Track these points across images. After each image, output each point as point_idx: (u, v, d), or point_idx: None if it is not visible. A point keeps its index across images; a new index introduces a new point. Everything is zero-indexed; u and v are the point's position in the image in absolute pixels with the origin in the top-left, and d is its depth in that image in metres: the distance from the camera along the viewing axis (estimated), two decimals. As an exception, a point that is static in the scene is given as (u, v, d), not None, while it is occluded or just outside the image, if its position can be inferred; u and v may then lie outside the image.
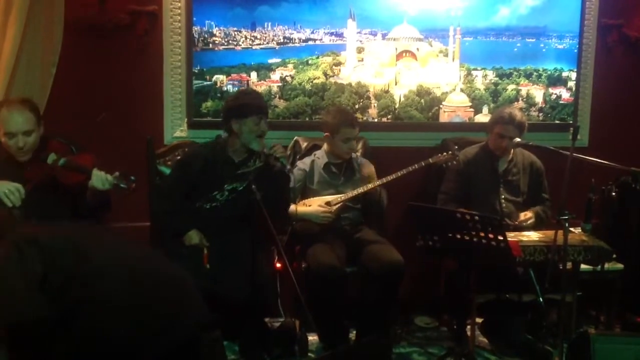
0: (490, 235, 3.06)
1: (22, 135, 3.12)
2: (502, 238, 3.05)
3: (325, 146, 3.93)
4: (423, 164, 3.72)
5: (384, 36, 4.30)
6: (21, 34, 3.51)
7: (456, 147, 3.77)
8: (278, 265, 3.56)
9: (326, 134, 3.84)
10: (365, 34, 4.28)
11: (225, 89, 4.17)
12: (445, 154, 3.77)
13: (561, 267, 3.23)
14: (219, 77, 4.17)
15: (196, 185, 3.51)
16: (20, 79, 3.57)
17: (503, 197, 3.93)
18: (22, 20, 3.50)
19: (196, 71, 4.13)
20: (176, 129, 4.17)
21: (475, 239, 3.10)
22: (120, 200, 3.41)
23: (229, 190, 3.54)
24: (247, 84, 4.19)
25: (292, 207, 3.77)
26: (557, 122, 4.53)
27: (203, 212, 3.53)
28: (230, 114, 3.51)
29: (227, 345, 3.68)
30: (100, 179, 3.11)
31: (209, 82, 4.16)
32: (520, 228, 3.77)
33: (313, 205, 3.79)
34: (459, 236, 3.15)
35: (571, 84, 4.51)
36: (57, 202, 3.14)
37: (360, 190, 3.78)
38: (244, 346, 3.66)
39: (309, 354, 3.78)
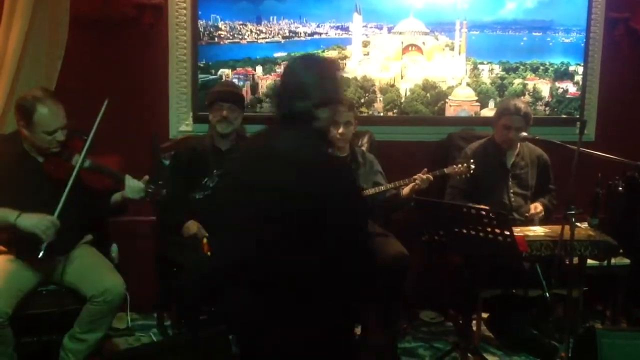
0: (497, 230, 3.05)
1: (61, 129, 3.07)
2: (508, 233, 3.03)
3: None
4: (437, 173, 3.70)
5: (389, 30, 4.29)
6: (27, 28, 3.49)
7: (472, 161, 3.72)
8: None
9: None
10: (371, 27, 4.26)
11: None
12: (460, 166, 3.72)
13: (567, 262, 3.22)
14: (225, 71, 4.16)
15: (188, 175, 3.56)
16: (26, 72, 3.55)
17: (512, 191, 3.92)
18: (28, 14, 3.49)
19: (201, 65, 4.12)
20: (181, 123, 4.17)
21: (481, 234, 3.09)
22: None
23: (218, 176, 3.57)
24: (253, 78, 4.18)
25: None
26: (563, 116, 4.51)
27: (197, 203, 3.56)
28: (206, 107, 3.67)
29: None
30: (135, 188, 3.10)
31: (214, 76, 4.15)
32: (531, 221, 3.75)
33: None
34: (464, 231, 3.14)
35: (578, 78, 4.49)
36: (77, 201, 3.10)
37: (373, 191, 3.76)
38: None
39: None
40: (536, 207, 3.83)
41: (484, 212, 3.07)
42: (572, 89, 4.50)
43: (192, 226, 3.49)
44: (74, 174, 2.99)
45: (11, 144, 3.18)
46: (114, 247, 3.54)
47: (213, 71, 4.14)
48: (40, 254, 2.91)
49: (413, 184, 3.63)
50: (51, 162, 3.10)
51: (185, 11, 4.05)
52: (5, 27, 3.52)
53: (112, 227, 3.63)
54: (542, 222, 3.75)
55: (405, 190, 3.68)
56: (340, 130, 3.73)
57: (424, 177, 3.62)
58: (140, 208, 3.69)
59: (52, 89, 3.61)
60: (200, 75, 4.12)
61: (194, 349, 2.79)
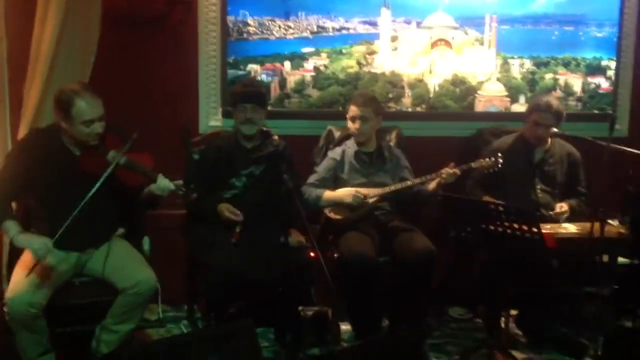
0: (524, 227, 3.04)
1: (99, 121, 3.13)
2: (536, 230, 3.02)
3: (355, 135, 3.94)
4: (465, 167, 3.69)
5: (418, 24, 4.29)
6: (60, 25, 3.54)
7: (500, 155, 3.71)
8: (312, 254, 3.58)
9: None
10: (399, 22, 4.27)
11: (259, 78, 4.21)
12: (488, 160, 3.70)
13: (598, 260, 3.20)
14: (253, 67, 4.21)
15: (215, 174, 3.59)
16: (60, 68, 3.61)
17: (539, 187, 3.89)
18: (61, 12, 3.53)
19: (231, 61, 4.17)
20: (211, 118, 4.22)
21: (508, 231, 3.08)
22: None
23: (246, 175, 3.60)
24: (281, 73, 4.22)
25: (320, 192, 3.79)
26: (595, 111, 4.46)
27: (226, 202, 3.57)
28: (229, 105, 3.71)
29: (262, 332, 3.74)
30: (164, 187, 3.13)
31: (243, 72, 4.20)
32: (555, 220, 3.73)
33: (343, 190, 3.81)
34: (492, 227, 3.13)
35: (610, 72, 4.45)
36: (110, 195, 3.16)
37: (400, 186, 3.78)
38: (279, 333, 3.73)
39: (342, 343, 3.81)
40: (562, 207, 3.80)
41: (511, 209, 3.06)
42: (604, 84, 4.45)
43: (224, 208, 3.51)
44: (109, 169, 3.05)
45: (48, 137, 3.23)
46: (146, 240, 3.59)
47: (242, 67, 4.19)
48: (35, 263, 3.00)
49: (439, 178, 3.63)
50: (87, 155, 3.15)
51: (214, 7, 4.10)
52: (40, 24, 3.58)
53: (145, 221, 3.69)
54: (572, 220, 3.72)
55: (432, 185, 3.68)
56: (356, 126, 3.75)
57: (451, 171, 3.61)
58: (172, 202, 3.74)
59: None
60: (230, 71, 4.17)
61: (221, 341, 2.83)
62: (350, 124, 3.83)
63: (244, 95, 3.57)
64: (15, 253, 3.28)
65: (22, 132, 3.61)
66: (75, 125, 3.10)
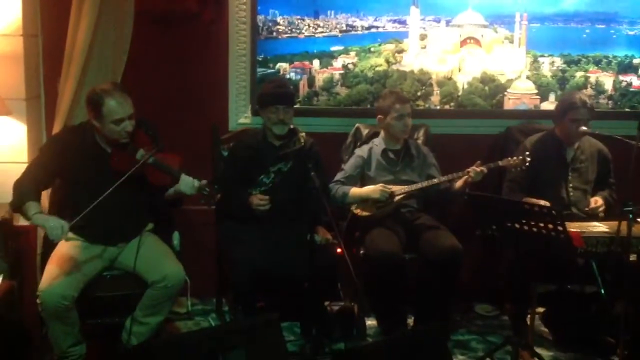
0: (550, 226, 3.03)
1: (128, 119, 3.20)
2: (561, 229, 3.01)
3: (382, 133, 3.95)
4: (492, 165, 3.69)
5: (447, 23, 4.28)
6: (94, 24, 3.63)
7: (527, 153, 3.70)
8: (338, 250, 3.61)
9: (379, 117, 3.87)
10: (428, 20, 4.27)
11: (288, 76, 4.25)
12: (515, 158, 3.70)
13: (625, 259, 3.17)
14: (282, 65, 4.25)
15: (244, 172, 3.64)
16: (93, 66, 3.70)
17: (571, 185, 3.88)
18: (95, 10, 3.62)
19: (260, 59, 4.22)
20: (240, 116, 4.27)
21: (534, 229, 3.08)
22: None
23: (274, 172, 3.65)
24: (310, 71, 4.25)
25: (347, 189, 3.82)
26: (626, 110, 4.41)
27: None
28: (258, 103, 3.71)
29: (288, 326, 3.79)
30: (187, 185, 3.19)
31: (272, 70, 4.24)
32: (593, 216, 3.71)
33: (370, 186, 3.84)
34: (517, 226, 3.13)
35: (642, 71, 4.39)
36: (139, 191, 3.24)
37: (427, 184, 3.79)
38: (305, 328, 3.77)
39: (367, 338, 3.84)
40: (597, 201, 3.78)
41: (537, 208, 3.06)
42: (636, 82, 4.40)
43: (255, 198, 3.57)
44: (135, 167, 3.11)
45: (80, 134, 3.32)
46: (176, 235, 3.66)
47: (271, 65, 4.23)
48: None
49: (466, 176, 3.63)
50: (117, 154, 3.23)
51: (245, 6, 4.14)
52: (74, 23, 3.67)
53: (174, 216, 3.76)
54: (606, 215, 3.70)
55: (459, 183, 3.68)
56: (406, 122, 3.80)
57: (478, 169, 3.61)
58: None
59: (118, 82, 3.77)
60: (259, 69, 4.22)
61: (247, 335, 2.87)
62: (397, 124, 3.81)
63: (276, 96, 3.60)
64: (49, 247, 3.38)
65: (57, 128, 3.71)
66: (106, 124, 3.18)
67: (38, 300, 3.08)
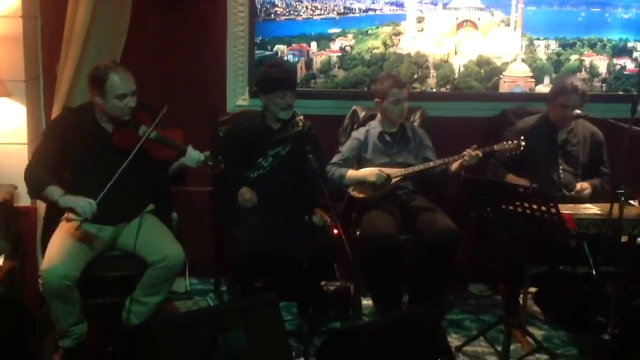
0: (543, 208, 3.08)
1: (131, 95, 3.24)
2: (554, 211, 3.07)
3: (378, 115, 3.99)
4: (487, 149, 3.73)
5: (444, 6, 4.30)
6: (93, 6, 3.66)
7: (522, 137, 3.74)
8: (335, 231, 3.66)
9: (377, 100, 3.90)
10: (425, 3, 4.29)
11: (286, 58, 4.27)
12: (510, 142, 3.75)
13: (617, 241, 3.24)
14: (280, 47, 4.27)
15: (242, 154, 3.66)
16: (92, 49, 3.73)
17: (561, 167, 3.93)
18: (94, -7, 3.66)
19: (258, 41, 4.24)
20: (238, 97, 4.30)
21: (528, 211, 3.13)
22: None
23: (272, 156, 3.69)
24: (307, 54, 4.28)
25: (344, 171, 3.86)
26: (620, 93, 4.46)
27: (252, 181, 3.68)
28: (259, 88, 3.70)
29: (285, 306, 3.86)
30: (194, 158, 3.24)
31: (270, 52, 4.26)
32: (577, 199, 3.77)
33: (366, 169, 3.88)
34: (511, 208, 3.18)
35: (636, 54, 4.42)
36: (141, 170, 3.26)
37: (422, 167, 3.84)
38: (302, 307, 3.84)
39: (363, 318, 3.90)
40: (582, 185, 3.83)
41: (530, 191, 3.11)
42: (630, 65, 4.44)
43: (246, 191, 3.62)
44: (141, 142, 3.15)
45: (81, 115, 3.35)
46: (174, 216, 3.71)
47: (269, 47, 4.26)
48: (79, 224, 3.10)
49: (461, 160, 3.68)
50: (119, 131, 3.27)
51: (243, -12, 4.16)
52: (73, 4, 3.70)
53: (173, 197, 3.80)
54: (592, 200, 3.75)
55: (454, 166, 3.73)
56: (402, 107, 3.85)
57: (473, 153, 3.66)
58: (198, 179, 3.85)
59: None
60: (257, 51, 4.24)
61: (246, 314, 2.92)
62: (393, 108, 3.85)
63: (284, 82, 3.61)
64: (49, 228, 3.42)
65: (56, 110, 3.74)
66: (109, 100, 3.21)
67: (40, 281, 3.12)
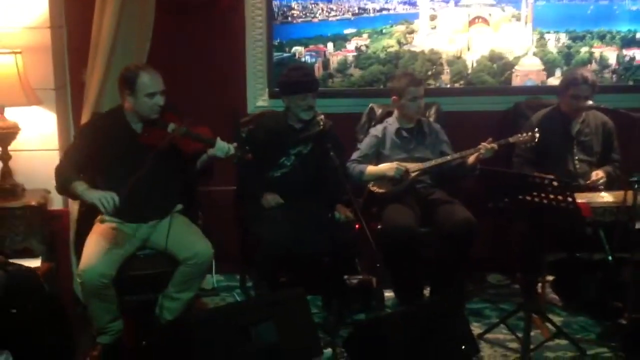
0: (560, 197, 3.17)
1: (160, 94, 3.37)
2: (571, 200, 3.15)
3: (395, 112, 4.08)
4: (503, 142, 3.82)
5: (456, 3, 4.40)
6: (118, 13, 3.75)
7: (537, 129, 3.83)
8: (356, 225, 3.76)
9: (394, 97, 4.01)
10: (437, 1, 4.39)
11: (303, 59, 4.39)
12: (525, 134, 3.83)
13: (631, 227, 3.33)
14: (298, 49, 4.39)
15: (264, 154, 3.75)
16: (118, 54, 3.81)
17: (577, 157, 4.03)
18: (119, 3, 3.74)
19: (276, 44, 4.36)
20: (258, 99, 4.42)
21: (544, 201, 3.21)
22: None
23: (295, 154, 3.80)
24: (324, 54, 4.39)
25: (363, 167, 3.98)
26: (630, 83, 4.54)
27: (276, 180, 3.80)
28: (281, 90, 3.80)
29: (310, 300, 3.94)
30: (223, 149, 3.36)
31: (288, 54, 4.38)
32: (593, 188, 3.86)
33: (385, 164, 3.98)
34: (528, 198, 3.27)
35: (645, 45, 4.51)
36: (171, 167, 3.40)
37: (440, 161, 3.94)
38: (326, 300, 3.95)
39: (386, 309, 3.99)
40: (597, 174, 3.93)
41: (546, 181, 3.20)
42: (639, 56, 4.52)
43: (270, 198, 3.74)
44: (171, 137, 3.29)
45: (111, 119, 3.50)
46: (200, 215, 3.83)
47: (287, 49, 4.37)
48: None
49: (478, 153, 3.78)
50: (148, 130, 3.40)
51: (260, -7, 4.27)
52: (99, 14, 3.79)
53: (199, 197, 3.92)
54: (607, 188, 3.85)
55: (471, 159, 3.83)
56: (419, 104, 3.96)
57: (489, 146, 3.76)
58: (223, 178, 3.97)
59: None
60: (275, 53, 4.36)
61: (275, 308, 3.04)
62: (411, 105, 3.95)
63: (306, 84, 3.73)
64: (83, 230, 3.56)
65: (85, 116, 3.85)
66: (140, 98, 3.35)
67: (78, 280, 3.26)
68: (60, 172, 3.36)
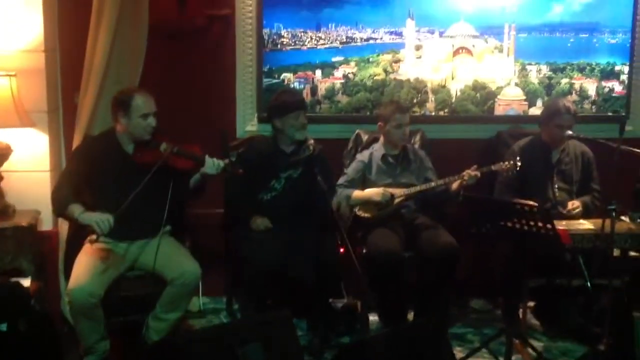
0: (540, 224, 3.26)
1: (153, 115, 3.48)
2: (550, 227, 3.24)
3: (381, 139, 4.17)
4: (485, 170, 3.90)
5: (441, 34, 4.52)
6: (111, 41, 3.83)
7: (518, 158, 3.92)
8: (341, 250, 3.80)
9: (380, 124, 4.10)
10: (423, 32, 4.51)
11: (292, 85, 4.48)
12: (507, 163, 3.92)
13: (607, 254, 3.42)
14: (287, 75, 4.48)
15: (255, 177, 3.81)
16: (111, 78, 3.88)
17: (556, 186, 4.12)
18: (113, 27, 3.82)
19: (266, 70, 4.45)
20: (247, 123, 4.50)
21: (525, 227, 3.30)
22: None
23: (285, 178, 3.87)
24: (312, 81, 4.49)
25: (349, 192, 4.05)
26: (609, 114, 4.67)
27: (266, 203, 3.86)
28: (273, 113, 3.87)
29: (296, 322, 3.98)
30: (213, 165, 3.45)
31: (277, 80, 4.47)
32: (570, 217, 3.95)
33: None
34: (509, 224, 3.36)
35: (624, 77, 4.64)
36: (162, 186, 3.43)
37: (424, 187, 4.02)
38: (311, 323, 3.99)
39: (370, 333, 4.03)
40: (573, 204, 4.03)
41: (527, 208, 3.29)
42: (618, 87, 4.66)
43: (260, 221, 3.81)
44: (163, 156, 3.37)
45: (103, 141, 3.58)
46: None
47: (276, 75, 4.47)
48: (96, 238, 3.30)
49: (461, 180, 3.87)
50: (140, 150, 3.49)
51: (251, 21, 4.37)
52: (92, 38, 3.86)
53: (186, 219, 3.97)
54: (585, 217, 3.93)
55: (454, 186, 3.92)
56: (405, 131, 4.05)
57: (472, 173, 3.85)
58: (210, 201, 4.02)
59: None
60: (265, 79, 4.45)
61: (262, 330, 3.07)
62: (396, 132, 4.03)
63: (298, 103, 3.84)
64: (72, 251, 3.60)
65: (77, 138, 3.90)
66: (134, 119, 3.45)
67: (67, 299, 3.31)
68: (55, 196, 3.45)
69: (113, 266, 3.44)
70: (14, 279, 3.39)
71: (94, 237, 3.33)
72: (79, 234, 3.62)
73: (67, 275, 3.50)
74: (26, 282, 3.56)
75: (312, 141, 3.74)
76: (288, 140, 3.86)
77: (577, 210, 4.01)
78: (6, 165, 3.83)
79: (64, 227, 3.87)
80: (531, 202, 3.29)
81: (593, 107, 4.67)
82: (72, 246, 3.68)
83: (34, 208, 3.91)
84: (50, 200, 3.48)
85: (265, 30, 4.40)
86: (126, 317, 3.57)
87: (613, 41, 4.62)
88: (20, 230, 3.70)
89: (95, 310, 3.30)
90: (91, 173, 3.48)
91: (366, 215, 4.02)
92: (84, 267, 3.35)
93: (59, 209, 3.43)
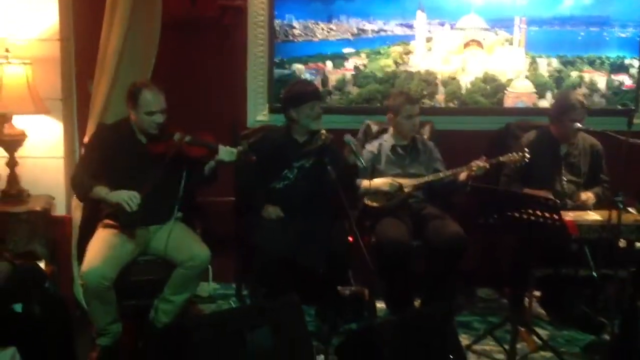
0: (547, 215, 3.29)
1: (160, 113, 3.53)
2: (557, 217, 3.28)
3: (391, 129, 4.20)
4: (494, 161, 3.92)
5: (452, 26, 4.55)
6: (125, 31, 3.88)
7: (526, 150, 3.92)
8: (350, 238, 3.84)
9: (390, 115, 4.14)
10: (433, 24, 4.54)
11: (303, 76, 4.52)
12: (515, 154, 3.93)
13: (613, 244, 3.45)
14: (298, 66, 4.53)
15: (268, 166, 3.85)
16: (124, 69, 3.94)
17: (565, 178, 4.14)
18: (127, 17, 3.87)
19: (277, 61, 4.49)
20: (258, 114, 4.55)
21: (532, 218, 3.33)
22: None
23: (298, 168, 3.90)
24: (323, 72, 4.53)
25: (359, 182, 4.07)
26: (618, 107, 4.68)
27: (278, 192, 3.90)
28: (288, 103, 3.90)
29: (305, 309, 4.03)
30: (227, 152, 3.51)
31: (288, 71, 4.52)
32: (582, 207, 3.97)
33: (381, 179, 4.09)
34: (517, 215, 3.39)
35: (633, 70, 4.65)
36: (175, 174, 3.53)
37: (433, 177, 4.05)
38: (320, 311, 4.03)
39: (377, 320, 4.07)
40: (587, 194, 4.05)
41: (535, 198, 3.32)
42: (627, 81, 4.67)
43: (272, 210, 3.86)
44: (178, 147, 3.45)
45: (117, 130, 3.65)
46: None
47: (287, 66, 4.51)
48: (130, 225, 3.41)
49: (469, 170, 3.90)
50: (154, 140, 3.56)
51: (263, 12, 4.42)
52: (107, 28, 3.92)
53: (197, 207, 4.02)
54: (596, 207, 3.96)
55: (462, 176, 3.94)
56: (415, 122, 4.08)
57: (481, 164, 3.88)
58: (221, 189, 4.08)
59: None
60: (276, 70, 4.50)
61: (271, 315, 3.12)
62: (406, 123, 4.07)
63: (313, 93, 3.88)
64: (85, 236, 3.67)
65: (90, 126, 3.95)
66: (140, 114, 3.52)
67: (80, 281, 3.39)
68: (76, 182, 3.53)
69: (126, 250, 3.50)
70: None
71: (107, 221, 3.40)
72: (91, 221, 3.70)
73: (80, 260, 3.58)
74: (41, 265, 3.64)
75: (324, 131, 3.78)
76: (302, 130, 3.89)
77: (590, 201, 4.02)
78: (21, 151, 3.90)
79: (77, 213, 3.93)
80: (542, 193, 3.31)
81: (602, 100, 4.68)
82: (85, 232, 3.75)
83: (48, 193, 3.99)
84: (69, 187, 3.59)
85: (277, 21, 4.45)
86: (138, 300, 3.63)
87: (623, 35, 4.62)
88: (34, 215, 3.77)
89: (107, 292, 3.37)
90: (107, 159, 3.55)
91: (375, 204, 4.06)
92: (98, 250, 3.41)
93: (83, 192, 3.51)
